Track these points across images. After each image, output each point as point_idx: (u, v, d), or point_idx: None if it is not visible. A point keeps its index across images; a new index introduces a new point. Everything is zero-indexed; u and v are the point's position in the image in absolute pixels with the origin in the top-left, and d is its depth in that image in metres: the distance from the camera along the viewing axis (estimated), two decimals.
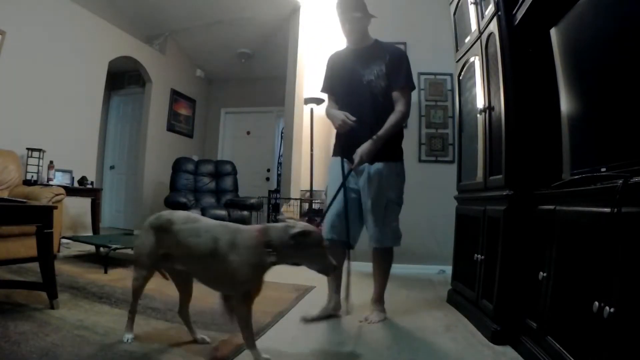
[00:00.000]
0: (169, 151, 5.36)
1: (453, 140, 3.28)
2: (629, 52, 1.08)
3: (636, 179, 0.93)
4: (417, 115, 3.35)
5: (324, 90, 2.07)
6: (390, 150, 1.85)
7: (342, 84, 1.95)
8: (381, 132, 1.77)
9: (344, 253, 1.88)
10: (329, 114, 1.97)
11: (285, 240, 1.25)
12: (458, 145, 2.36)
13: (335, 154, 1.99)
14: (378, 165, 1.83)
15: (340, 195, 1.83)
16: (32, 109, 3.59)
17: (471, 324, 1.83)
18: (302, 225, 1.30)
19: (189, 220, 1.33)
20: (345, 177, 1.81)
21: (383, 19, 3.45)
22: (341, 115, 1.82)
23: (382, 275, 1.96)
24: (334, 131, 2.00)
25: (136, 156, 5.31)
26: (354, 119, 1.80)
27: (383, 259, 1.94)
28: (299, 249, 1.27)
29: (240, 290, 1.28)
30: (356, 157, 1.76)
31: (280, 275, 2.87)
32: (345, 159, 1.87)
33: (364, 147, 1.76)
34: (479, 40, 1.97)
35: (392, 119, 1.80)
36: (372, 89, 1.86)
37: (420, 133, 3.34)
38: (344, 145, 1.86)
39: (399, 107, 1.83)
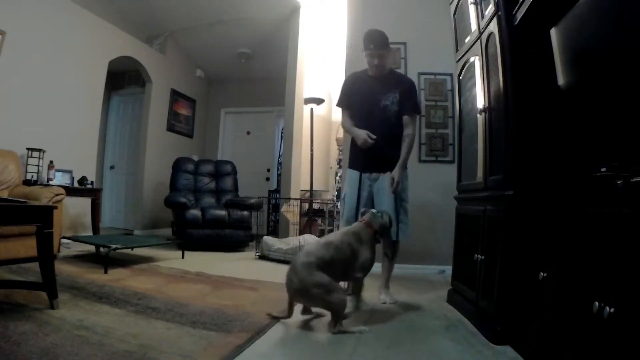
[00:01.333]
0: (169, 151, 5.36)
1: (453, 140, 3.28)
2: (628, 52, 1.08)
3: (636, 179, 0.93)
4: None
5: (341, 105, 2.40)
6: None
7: (361, 105, 2.28)
8: (402, 158, 2.19)
9: None
10: (349, 130, 2.33)
11: (379, 225, 1.91)
12: (458, 145, 2.36)
13: (353, 166, 2.33)
14: (390, 175, 2.20)
15: (353, 201, 2.23)
16: (32, 109, 3.59)
17: (471, 324, 1.83)
18: (382, 214, 1.96)
19: (328, 245, 1.73)
20: (360, 187, 2.24)
21: (383, 19, 3.49)
22: (364, 134, 2.17)
23: (391, 264, 2.28)
24: (335, 135, 2.39)
25: (136, 156, 5.31)
26: (374, 136, 2.15)
27: (392, 250, 2.26)
28: (384, 232, 1.95)
29: (369, 269, 1.87)
30: (393, 180, 2.16)
31: (280, 275, 2.88)
32: (363, 172, 2.27)
33: (396, 173, 2.17)
34: (479, 40, 1.97)
35: (406, 145, 2.20)
36: (387, 112, 2.21)
37: (420, 133, 3.33)
38: (363, 159, 2.25)
39: (409, 131, 2.21)
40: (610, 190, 1.01)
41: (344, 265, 1.78)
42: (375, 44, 2.17)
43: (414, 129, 2.26)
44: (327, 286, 1.61)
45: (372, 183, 2.25)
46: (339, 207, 2.54)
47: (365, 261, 1.85)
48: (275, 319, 1.75)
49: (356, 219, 2.15)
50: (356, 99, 2.30)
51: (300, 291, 1.63)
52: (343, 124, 2.42)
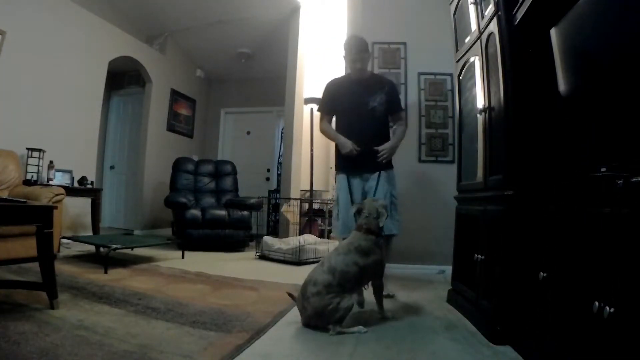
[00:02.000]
0: (169, 151, 5.37)
1: (453, 140, 3.27)
2: (628, 52, 1.08)
3: (636, 179, 0.93)
4: (417, 115, 3.35)
5: (323, 111, 2.48)
6: (388, 162, 2.38)
7: (349, 108, 2.37)
8: (397, 137, 2.39)
9: None
10: (335, 137, 2.40)
11: (376, 225, 1.85)
12: (458, 145, 2.36)
13: (340, 170, 2.43)
14: (383, 172, 2.34)
15: (347, 204, 2.30)
16: (32, 109, 3.60)
17: (471, 324, 1.83)
18: (378, 210, 1.89)
19: (332, 271, 1.72)
20: (352, 190, 2.34)
21: (383, 19, 3.49)
22: (349, 144, 2.29)
23: (387, 258, 2.28)
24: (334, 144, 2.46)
25: (136, 156, 5.31)
26: (359, 148, 2.27)
27: (388, 245, 2.30)
28: (383, 227, 1.90)
29: (382, 272, 1.89)
30: (384, 153, 2.29)
31: (280, 275, 2.88)
32: (352, 175, 2.38)
33: (388, 145, 2.30)
34: (479, 40, 1.97)
35: (401, 130, 2.42)
36: (375, 113, 2.34)
37: (420, 133, 3.33)
38: (353, 161, 2.33)
39: (403, 123, 2.46)
40: (610, 190, 1.01)
41: (354, 282, 1.79)
42: (357, 48, 2.31)
43: (406, 122, 2.50)
44: (337, 301, 1.66)
45: (365, 183, 2.35)
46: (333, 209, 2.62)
47: (377, 267, 1.85)
48: (292, 297, 1.87)
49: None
50: (343, 102, 2.38)
51: (314, 316, 1.67)
52: (325, 129, 2.49)
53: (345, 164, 2.38)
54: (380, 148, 2.27)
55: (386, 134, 2.38)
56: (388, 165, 2.38)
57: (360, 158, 2.30)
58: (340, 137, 2.35)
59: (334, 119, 2.50)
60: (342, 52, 2.39)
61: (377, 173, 2.34)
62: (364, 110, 2.32)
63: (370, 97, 2.33)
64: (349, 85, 2.40)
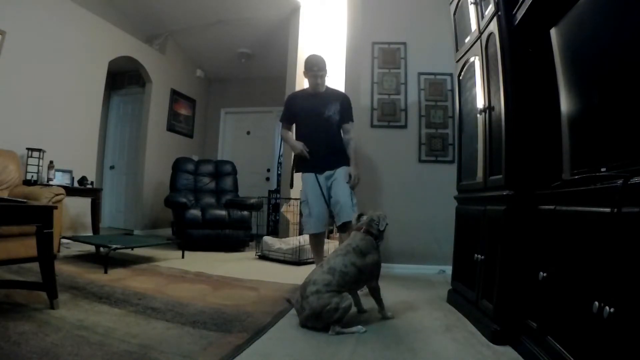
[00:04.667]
0: (169, 151, 5.36)
1: (453, 140, 3.27)
2: (629, 52, 1.08)
3: (636, 179, 0.93)
4: (417, 115, 3.35)
5: (285, 120, 2.71)
6: (346, 160, 2.59)
7: (308, 118, 2.61)
8: (353, 157, 2.58)
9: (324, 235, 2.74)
10: (288, 141, 2.69)
11: (377, 229, 1.92)
12: (458, 145, 2.36)
13: (305, 170, 2.60)
14: (342, 169, 2.55)
15: (319, 200, 2.52)
16: (32, 109, 3.60)
17: (471, 324, 1.83)
18: (379, 216, 1.96)
19: (332, 271, 1.75)
20: (321, 186, 2.53)
21: (383, 19, 3.50)
22: (300, 145, 2.56)
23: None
24: None
25: (136, 156, 5.31)
26: (307, 149, 2.55)
27: (346, 232, 2.41)
28: (381, 235, 1.95)
29: (378, 273, 1.90)
30: (354, 179, 2.50)
31: (280, 275, 2.88)
32: (318, 173, 2.56)
33: (352, 169, 2.52)
34: (479, 40, 1.97)
35: (352, 147, 2.61)
36: (330, 121, 2.58)
37: (420, 133, 3.33)
38: (314, 163, 2.56)
39: (351, 135, 2.64)
40: (609, 190, 1.01)
41: (352, 283, 1.80)
42: (318, 66, 2.53)
43: (354, 132, 2.68)
44: (335, 300, 1.66)
45: (328, 180, 2.56)
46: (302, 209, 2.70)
47: (373, 268, 1.87)
48: (289, 302, 1.89)
49: (324, 220, 2.55)
50: (302, 114, 2.62)
51: (312, 317, 1.67)
52: (282, 135, 2.80)
53: (311, 164, 2.57)
54: (351, 178, 2.49)
55: (339, 139, 2.61)
56: (346, 163, 2.58)
57: (320, 159, 2.54)
58: (292, 140, 2.64)
59: (294, 126, 2.73)
60: (303, 68, 2.60)
61: (340, 168, 2.54)
62: (320, 120, 2.56)
63: (325, 108, 2.57)
64: (307, 98, 2.64)
